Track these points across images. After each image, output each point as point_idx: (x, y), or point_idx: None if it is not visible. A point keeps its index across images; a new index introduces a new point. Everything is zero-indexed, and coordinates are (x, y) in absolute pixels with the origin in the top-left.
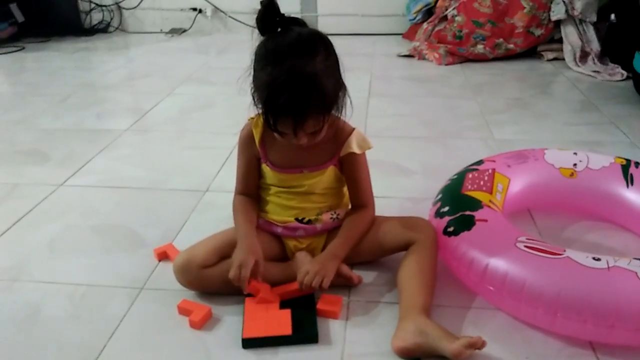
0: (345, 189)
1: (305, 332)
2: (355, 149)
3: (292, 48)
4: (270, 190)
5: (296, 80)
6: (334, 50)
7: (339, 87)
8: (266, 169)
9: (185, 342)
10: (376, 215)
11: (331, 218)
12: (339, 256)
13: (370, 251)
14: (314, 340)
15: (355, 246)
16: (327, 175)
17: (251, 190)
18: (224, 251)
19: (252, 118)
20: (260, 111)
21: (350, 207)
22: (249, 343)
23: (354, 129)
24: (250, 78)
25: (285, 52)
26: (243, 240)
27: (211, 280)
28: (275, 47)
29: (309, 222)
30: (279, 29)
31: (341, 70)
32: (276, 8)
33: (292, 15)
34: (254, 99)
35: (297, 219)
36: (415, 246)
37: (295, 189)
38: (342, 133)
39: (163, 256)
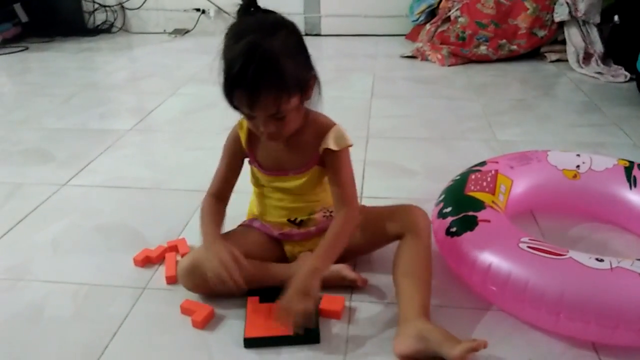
0: None
1: (307, 331)
2: (331, 145)
3: (253, 26)
4: (262, 190)
5: (251, 52)
6: (299, 37)
7: (303, 71)
8: (254, 169)
9: (187, 341)
10: (364, 205)
11: (324, 216)
12: (320, 270)
13: (361, 246)
14: (315, 340)
15: (338, 255)
16: (314, 176)
17: (224, 194)
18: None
19: (240, 121)
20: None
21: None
22: (250, 343)
23: (334, 124)
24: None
25: (246, 29)
26: (215, 240)
27: None
28: (236, 27)
29: (302, 222)
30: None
31: (311, 61)
32: (254, 1)
33: (270, 9)
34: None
35: (289, 220)
36: (406, 239)
37: (284, 190)
38: (321, 130)
39: (147, 261)
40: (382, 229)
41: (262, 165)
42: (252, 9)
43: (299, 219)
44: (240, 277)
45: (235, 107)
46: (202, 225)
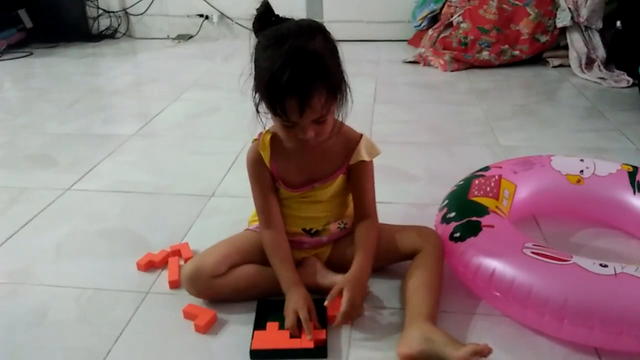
0: (350, 197)
1: (315, 346)
2: (365, 156)
3: (290, 31)
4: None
5: (298, 56)
6: (333, 39)
7: (341, 72)
8: (279, 186)
9: (190, 346)
10: (382, 223)
11: (339, 227)
12: (368, 275)
13: (377, 260)
14: (323, 354)
15: (372, 266)
16: (338, 185)
17: (276, 221)
18: (234, 259)
19: (256, 139)
20: (265, 106)
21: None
22: (256, 355)
23: (361, 135)
24: (252, 81)
25: (284, 35)
26: (292, 288)
27: (222, 290)
28: (274, 34)
29: (317, 232)
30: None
31: (342, 64)
32: (271, 9)
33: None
34: (255, 100)
35: (304, 230)
36: (421, 255)
37: (302, 199)
38: (351, 141)
39: (150, 265)
40: (394, 248)
41: (286, 182)
42: (273, 18)
43: (314, 229)
44: (310, 332)
45: (280, 115)
46: (273, 266)
